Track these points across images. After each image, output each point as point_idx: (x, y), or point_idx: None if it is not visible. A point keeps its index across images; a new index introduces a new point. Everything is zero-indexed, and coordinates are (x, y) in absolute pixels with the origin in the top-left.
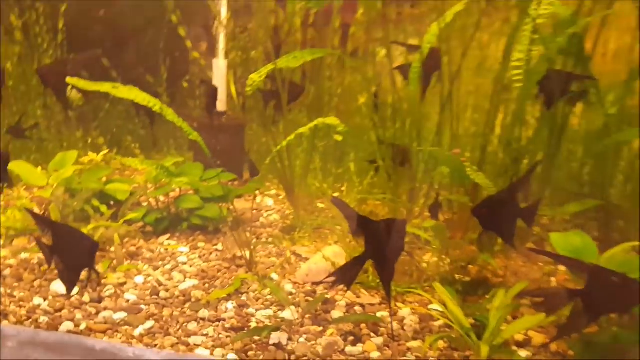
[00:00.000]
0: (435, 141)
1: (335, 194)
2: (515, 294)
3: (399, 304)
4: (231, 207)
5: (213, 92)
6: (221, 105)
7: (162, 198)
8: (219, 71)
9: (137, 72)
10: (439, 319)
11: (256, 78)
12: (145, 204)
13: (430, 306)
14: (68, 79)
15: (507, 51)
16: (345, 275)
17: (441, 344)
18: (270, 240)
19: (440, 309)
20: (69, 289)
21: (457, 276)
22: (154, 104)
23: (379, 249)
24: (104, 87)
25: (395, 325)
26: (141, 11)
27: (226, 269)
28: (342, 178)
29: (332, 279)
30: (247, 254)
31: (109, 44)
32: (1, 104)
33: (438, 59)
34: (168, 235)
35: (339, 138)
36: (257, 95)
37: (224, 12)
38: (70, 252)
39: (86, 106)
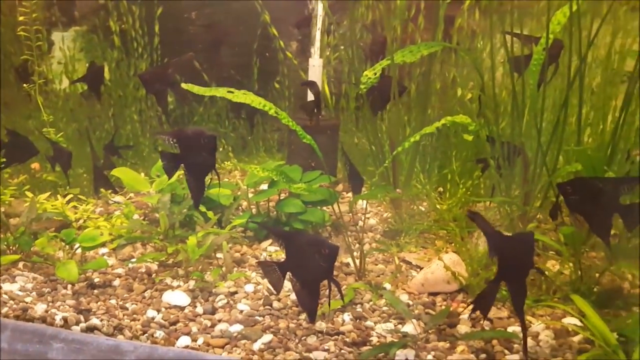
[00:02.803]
0: (550, 138)
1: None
2: None
3: (529, 318)
4: (337, 211)
5: (319, 93)
6: None
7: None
8: (315, 70)
9: (227, 74)
10: (577, 334)
11: (371, 75)
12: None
13: (564, 320)
14: (183, 85)
15: None
16: (482, 302)
17: None
18: (378, 247)
19: (578, 323)
20: (312, 316)
21: (593, 287)
22: (269, 107)
23: (510, 267)
24: (220, 92)
25: (530, 341)
26: (232, 11)
27: (334, 277)
28: (444, 179)
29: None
30: (357, 261)
31: (200, 46)
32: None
33: (559, 51)
34: (270, 241)
35: (469, 138)
36: (346, 95)
37: (320, 9)
38: (307, 264)
39: (178, 110)
